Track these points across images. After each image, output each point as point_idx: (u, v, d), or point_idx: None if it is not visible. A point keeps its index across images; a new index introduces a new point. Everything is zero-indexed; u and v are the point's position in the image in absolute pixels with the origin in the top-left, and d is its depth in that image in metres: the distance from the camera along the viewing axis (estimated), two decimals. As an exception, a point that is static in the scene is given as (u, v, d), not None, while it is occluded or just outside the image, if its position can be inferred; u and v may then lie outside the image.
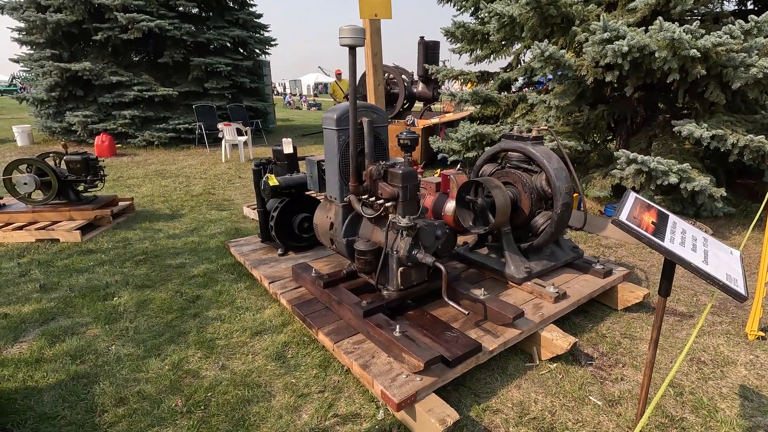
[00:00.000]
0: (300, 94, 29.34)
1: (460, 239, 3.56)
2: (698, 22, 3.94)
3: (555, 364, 2.46)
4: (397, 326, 2.19)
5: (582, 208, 3.59)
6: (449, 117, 8.08)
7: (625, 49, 3.97)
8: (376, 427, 2.02)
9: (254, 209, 5.07)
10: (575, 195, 3.31)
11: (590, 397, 2.22)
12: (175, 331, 2.78)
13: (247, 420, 2.05)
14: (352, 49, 2.24)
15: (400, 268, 2.43)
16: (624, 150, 4.35)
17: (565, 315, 2.77)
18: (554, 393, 2.25)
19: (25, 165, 4.54)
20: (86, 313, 3.00)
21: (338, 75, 13.44)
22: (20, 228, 4.36)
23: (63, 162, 4.70)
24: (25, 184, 4.45)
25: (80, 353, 2.55)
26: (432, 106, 10.24)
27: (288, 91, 33.02)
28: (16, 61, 10.40)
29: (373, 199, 2.53)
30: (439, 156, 6.93)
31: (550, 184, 2.80)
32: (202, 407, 2.13)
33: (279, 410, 2.12)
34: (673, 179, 4.08)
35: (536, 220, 2.95)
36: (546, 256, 3.06)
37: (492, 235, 3.16)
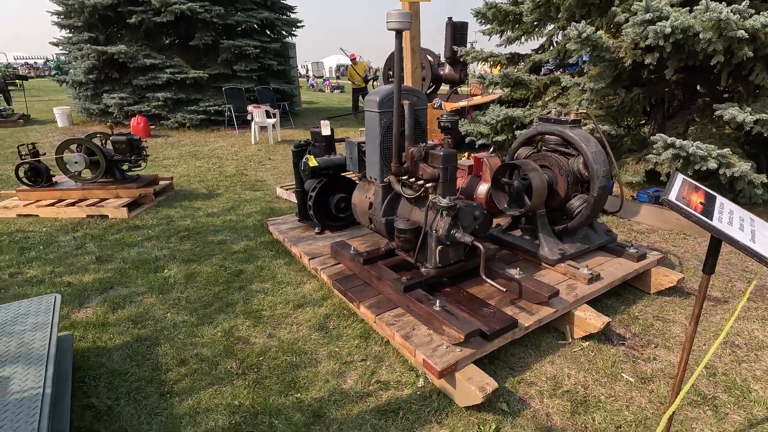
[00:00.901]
0: (324, 79, 29.23)
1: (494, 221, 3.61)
2: (747, 0, 3.80)
3: (587, 343, 2.53)
4: (437, 301, 2.30)
5: (618, 193, 3.59)
6: (477, 100, 8.01)
7: (668, 30, 3.87)
8: (417, 393, 2.15)
9: (287, 190, 5.24)
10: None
11: (623, 374, 2.29)
12: (223, 302, 2.97)
13: (297, 383, 2.22)
14: (399, 33, 2.30)
15: (439, 247, 2.53)
16: (661, 134, 4.27)
17: (598, 297, 2.83)
18: (587, 369, 2.33)
19: (75, 145, 4.80)
20: (141, 283, 3.23)
21: (353, 59, 13.34)
22: (72, 204, 4.64)
23: (109, 142, 4.94)
24: (76, 162, 4.72)
25: (140, 319, 2.77)
26: (459, 89, 10.14)
27: (311, 73, 32.89)
28: (56, 45, 10.78)
29: (413, 179, 2.62)
30: (467, 139, 6.91)
31: (588, 167, 2.82)
32: (255, 370, 2.31)
33: (325, 375, 2.27)
34: (712, 164, 4.01)
35: (572, 203, 2.98)
36: (580, 238, 3.10)
37: (526, 218, 3.21)
